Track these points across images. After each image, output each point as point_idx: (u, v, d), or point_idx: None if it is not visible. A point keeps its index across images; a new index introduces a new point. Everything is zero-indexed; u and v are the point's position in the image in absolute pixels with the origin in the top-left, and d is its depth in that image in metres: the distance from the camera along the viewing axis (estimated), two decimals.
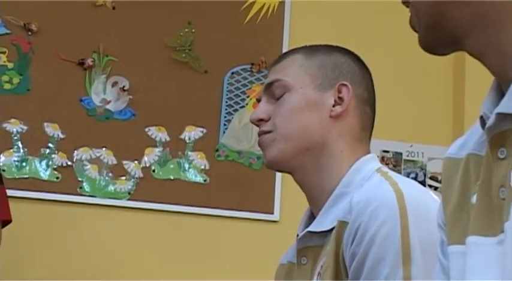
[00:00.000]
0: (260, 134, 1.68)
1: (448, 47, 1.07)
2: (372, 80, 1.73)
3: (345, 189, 1.60)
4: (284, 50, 3.61)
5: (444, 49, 1.08)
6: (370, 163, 1.65)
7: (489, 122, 1.03)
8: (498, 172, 1.02)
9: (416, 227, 1.49)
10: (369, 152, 1.69)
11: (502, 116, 1.01)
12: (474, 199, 1.07)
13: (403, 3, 1.10)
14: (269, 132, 1.66)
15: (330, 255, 1.54)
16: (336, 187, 1.61)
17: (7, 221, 2.88)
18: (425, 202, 1.55)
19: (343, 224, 1.54)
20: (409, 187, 1.57)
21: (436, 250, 1.43)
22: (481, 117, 1.07)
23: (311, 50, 1.71)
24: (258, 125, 1.69)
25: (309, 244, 1.62)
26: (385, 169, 1.64)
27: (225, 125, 3.63)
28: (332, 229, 1.56)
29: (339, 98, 1.66)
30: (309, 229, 1.61)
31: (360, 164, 1.64)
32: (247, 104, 3.65)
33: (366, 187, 1.57)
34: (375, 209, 1.50)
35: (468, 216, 1.08)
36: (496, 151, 1.03)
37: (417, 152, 3.74)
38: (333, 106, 1.65)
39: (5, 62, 3.53)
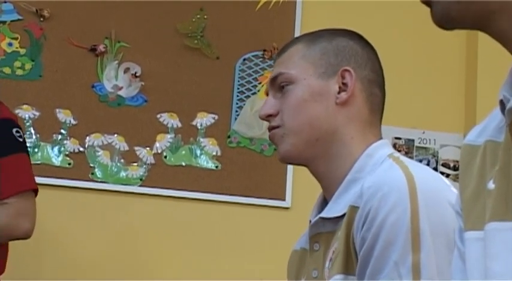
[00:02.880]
0: (269, 129, 1.68)
1: (470, 21, 1.04)
2: (378, 60, 1.72)
3: (357, 175, 1.61)
4: (296, 36, 3.60)
5: (464, 22, 1.04)
6: (383, 148, 1.65)
7: (509, 105, 1.02)
8: None
9: (427, 211, 1.49)
10: (380, 136, 1.68)
11: None
12: (490, 184, 1.07)
13: None
14: (278, 127, 1.66)
15: (341, 240, 1.55)
16: (348, 173, 1.60)
17: (36, 190, 2.87)
18: (437, 186, 1.55)
19: (354, 209, 1.54)
20: (420, 170, 1.57)
21: (448, 235, 1.43)
22: (501, 101, 1.05)
23: (312, 38, 1.71)
24: (266, 120, 1.69)
25: (321, 230, 1.62)
26: (397, 154, 1.64)
27: (236, 111, 3.63)
28: (344, 215, 1.56)
29: (343, 84, 1.65)
30: (321, 215, 1.62)
31: (372, 150, 1.63)
32: (259, 91, 3.65)
33: (377, 172, 1.58)
34: (385, 193, 1.50)
35: (484, 202, 1.08)
36: None
37: (429, 139, 3.74)
38: (338, 93, 1.65)
39: (17, 48, 3.53)
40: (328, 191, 1.65)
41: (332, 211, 1.60)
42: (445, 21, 1.05)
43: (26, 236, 2.81)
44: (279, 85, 1.68)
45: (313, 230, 1.64)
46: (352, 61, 1.67)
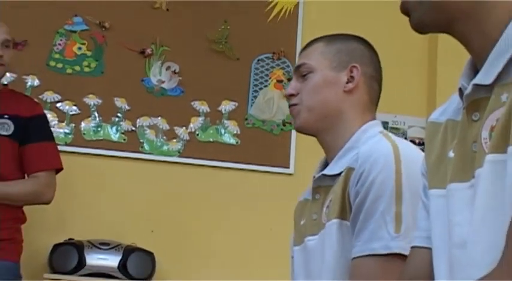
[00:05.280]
0: (290, 105, 1.68)
1: (440, 27, 1.03)
2: (379, 62, 1.72)
3: (353, 144, 1.60)
4: (298, 43, 3.62)
5: (436, 28, 1.04)
6: (375, 127, 1.65)
7: (466, 91, 1.01)
8: (472, 131, 1.01)
9: (407, 173, 1.48)
10: (374, 118, 1.67)
11: (477, 87, 1.00)
12: (450, 154, 1.07)
13: None
14: (296, 104, 1.66)
15: (338, 192, 1.55)
16: (346, 143, 1.60)
17: (60, 169, 2.90)
18: (415, 155, 1.54)
19: (350, 170, 1.54)
20: (403, 143, 1.58)
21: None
22: (460, 89, 1.05)
23: (330, 39, 1.70)
24: (289, 99, 1.68)
25: (322, 184, 1.62)
26: (385, 131, 1.64)
27: (252, 100, 3.61)
28: (340, 173, 1.57)
29: (351, 77, 1.65)
30: (324, 172, 1.62)
31: (367, 127, 1.64)
32: (269, 84, 3.64)
33: (370, 143, 1.57)
34: (376, 158, 1.50)
35: (445, 167, 1.08)
36: (470, 115, 1.02)
37: (400, 121, 3.72)
38: (346, 83, 1.64)
39: (84, 51, 3.53)
40: (330, 155, 1.65)
41: (332, 170, 1.60)
42: (421, 27, 1.04)
43: (48, 202, 2.83)
44: (301, 73, 1.67)
45: (316, 183, 1.64)
46: (359, 60, 1.66)
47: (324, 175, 1.61)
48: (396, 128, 3.71)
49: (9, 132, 2.77)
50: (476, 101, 1.00)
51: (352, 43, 1.69)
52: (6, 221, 2.74)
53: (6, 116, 2.78)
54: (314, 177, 1.65)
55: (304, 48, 1.71)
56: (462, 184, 1.01)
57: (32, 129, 2.82)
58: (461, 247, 0.99)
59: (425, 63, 3.78)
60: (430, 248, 1.09)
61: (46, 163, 2.83)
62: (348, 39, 1.70)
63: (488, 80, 0.98)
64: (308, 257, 1.60)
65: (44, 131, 2.87)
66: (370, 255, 1.45)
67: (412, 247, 1.16)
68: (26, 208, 2.85)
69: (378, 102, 1.70)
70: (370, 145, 1.55)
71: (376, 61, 1.71)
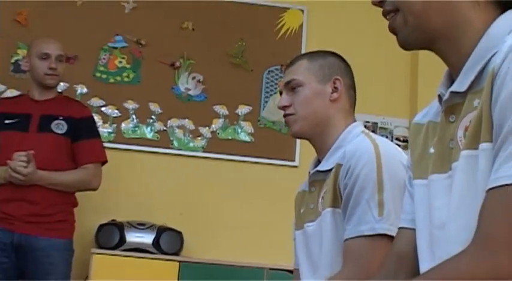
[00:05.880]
0: (285, 116, 1.67)
1: (423, 45, 1.04)
2: (352, 71, 1.70)
3: (340, 143, 1.60)
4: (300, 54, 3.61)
5: (419, 45, 1.04)
6: (357, 127, 1.64)
7: (445, 97, 1.02)
8: (449, 130, 1.02)
9: (387, 167, 1.48)
10: (355, 120, 1.67)
11: (453, 94, 1.01)
12: (431, 150, 1.07)
13: (386, 13, 1.06)
14: (291, 114, 1.64)
15: (330, 185, 1.55)
16: (334, 143, 1.60)
17: (105, 162, 2.93)
18: (393, 152, 1.54)
19: (339, 166, 1.54)
20: (382, 141, 1.57)
21: (400, 183, 1.43)
22: (439, 96, 1.05)
23: (312, 55, 1.68)
24: (283, 110, 1.67)
25: (316, 178, 1.62)
26: (367, 131, 1.64)
27: (264, 104, 3.62)
28: (331, 169, 1.56)
29: (335, 87, 1.63)
30: (317, 168, 1.61)
31: (350, 128, 1.63)
32: (278, 91, 3.63)
33: (354, 142, 1.57)
34: (360, 155, 1.50)
35: (427, 161, 1.08)
36: (448, 117, 1.02)
37: (387, 122, 3.71)
38: (331, 93, 1.63)
39: (125, 64, 3.54)
40: (321, 154, 1.64)
41: (324, 166, 1.59)
42: (406, 44, 1.05)
43: (95, 189, 2.87)
44: (291, 87, 1.66)
45: (312, 178, 1.63)
46: (339, 72, 1.65)
47: (318, 171, 1.60)
48: (384, 128, 3.71)
49: (63, 131, 2.81)
50: (452, 106, 1.01)
51: (330, 58, 1.67)
52: (61, 205, 2.78)
53: (61, 118, 2.83)
54: (309, 173, 1.65)
55: (289, 66, 1.69)
56: (441, 175, 1.01)
57: (82, 128, 2.86)
58: (440, 228, 0.99)
59: (408, 74, 3.77)
60: (414, 229, 1.10)
61: (94, 156, 2.87)
62: (326, 55, 1.68)
63: (463, 88, 0.98)
64: (308, 240, 1.60)
65: (92, 130, 2.90)
66: (359, 236, 1.46)
67: (399, 228, 1.17)
68: (77, 194, 2.88)
69: (355, 106, 1.69)
70: (355, 144, 1.55)
71: (350, 71, 1.69)
